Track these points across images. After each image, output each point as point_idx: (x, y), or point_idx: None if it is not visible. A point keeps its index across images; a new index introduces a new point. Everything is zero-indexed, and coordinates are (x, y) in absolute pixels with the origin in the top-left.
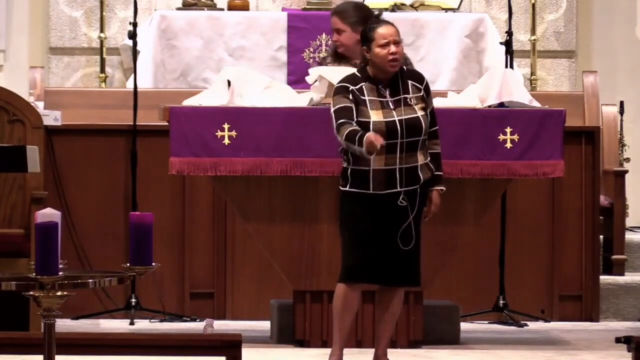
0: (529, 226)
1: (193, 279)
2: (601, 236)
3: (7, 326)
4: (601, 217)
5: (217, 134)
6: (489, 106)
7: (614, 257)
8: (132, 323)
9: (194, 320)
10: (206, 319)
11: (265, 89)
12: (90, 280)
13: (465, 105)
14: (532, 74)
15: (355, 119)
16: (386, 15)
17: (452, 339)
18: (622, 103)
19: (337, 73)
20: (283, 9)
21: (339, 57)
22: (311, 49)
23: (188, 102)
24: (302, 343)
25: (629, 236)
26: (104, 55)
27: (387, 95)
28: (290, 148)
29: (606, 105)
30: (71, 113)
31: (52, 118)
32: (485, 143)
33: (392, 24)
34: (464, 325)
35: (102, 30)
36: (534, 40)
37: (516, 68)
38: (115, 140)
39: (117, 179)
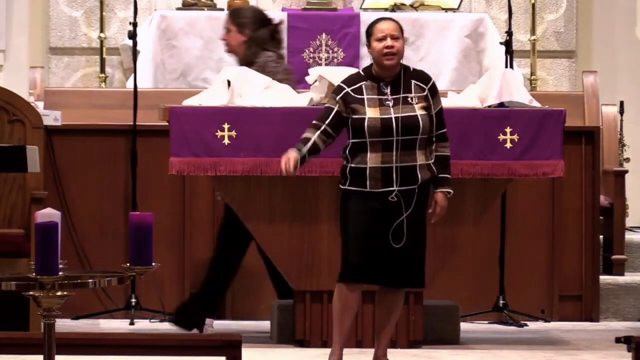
0: (529, 226)
1: (193, 279)
2: (601, 236)
3: (7, 326)
4: (601, 217)
5: (217, 134)
6: (489, 106)
7: (614, 257)
8: (132, 323)
9: None
10: (206, 319)
11: (265, 89)
12: (90, 280)
13: (465, 105)
14: (532, 74)
15: (329, 121)
16: (387, 16)
17: (452, 339)
18: (622, 103)
19: (337, 73)
20: (283, 9)
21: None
22: (311, 49)
23: (188, 102)
24: (302, 343)
25: (629, 236)
26: (104, 55)
27: (388, 93)
28: (290, 148)
29: (606, 105)
30: (71, 113)
31: (52, 118)
32: (485, 143)
33: (394, 20)
34: (464, 325)
35: (102, 30)
36: (534, 40)
37: (516, 68)
38: (115, 140)
39: (117, 179)
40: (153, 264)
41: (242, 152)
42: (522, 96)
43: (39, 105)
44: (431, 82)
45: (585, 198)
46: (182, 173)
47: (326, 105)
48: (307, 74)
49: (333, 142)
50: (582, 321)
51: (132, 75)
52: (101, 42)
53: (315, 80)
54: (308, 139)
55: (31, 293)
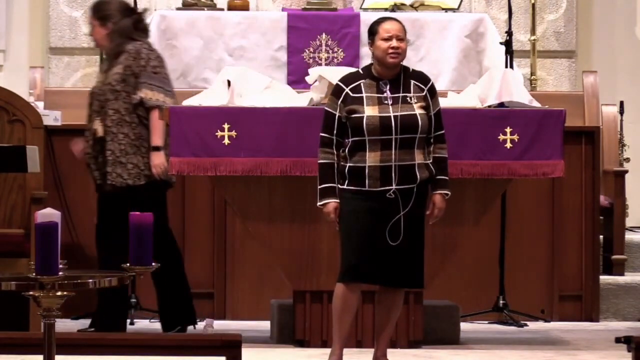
0: (529, 226)
1: (193, 279)
2: (601, 236)
3: (7, 326)
4: (601, 217)
5: (217, 134)
6: (489, 106)
7: (614, 257)
8: (132, 323)
9: None
10: (206, 319)
11: (265, 89)
12: (90, 280)
13: (465, 105)
14: (532, 74)
15: (337, 131)
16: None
17: (452, 339)
18: (622, 103)
19: (337, 73)
20: (283, 9)
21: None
22: (311, 49)
23: (188, 102)
24: (302, 343)
25: (629, 236)
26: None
27: (387, 92)
28: (290, 148)
29: (606, 105)
30: (71, 113)
31: (52, 118)
32: (485, 143)
33: (398, 21)
34: (464, 325)
35: None
36: (534, 40)
37: (516, 68)
38: None
39: None
40: (153, 264)
41: (242, 152)
42: (522, 96)
43: (39, 105)
44: (430, 83)
45: (585, 198)
46: (182, 173)
47: (327, 109)
48: (307, 74)
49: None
50: (582, 321)
51: None
52: None
53: (315, 80)
54: (331, 167)
55: (31, 293)
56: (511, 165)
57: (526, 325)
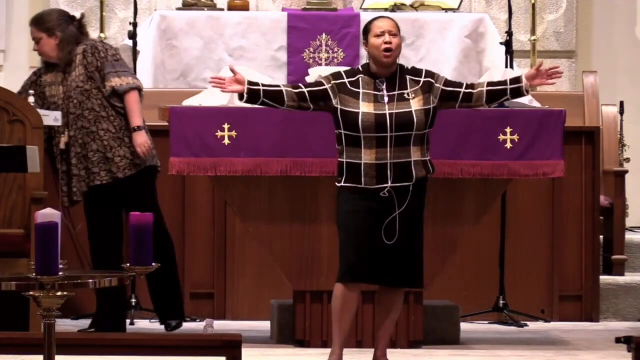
0: (529, 226)
1: (193, 279)
2: (601, 236)
3: (7, 326)
4: (601, 217)
5: (217, 134)
6: (489, 106)
7: (614, 257)
8: (132, 323)
9: (194, 320)
10: (206, 319)
11: None
12: (90, 280)
13: None
14: None
15: (311, 89)
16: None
17: (452, 339)
18: (622, 103)
19: None
20: (283, 9)
21: (49, 65)
22: (311, 49)
23: (188, 102)
24: (302, 343)
25: (629, 236)
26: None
27: (384, 90)
28: (290, 148)
29: (606, 105)
30: None
31: (52, 118)
32: (485, 143)
33: (391, 19)
34: (464, 325)
35: (102, 30)
36: (534, 40)
37: (516, 68)
38: None
39: None
40: (153, 264)
41: (242, 152)
42: None
43: None
44: (424, 71)
45: (585, 198)
46: (182, 173)
47: (318, 79)
48: (307, 74)
49: (299, 110)
50: (582, 321)
51: None
52: None
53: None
54: (276, 86)
55: (31, 293)
56: (511, 165)
57: (526, 325)
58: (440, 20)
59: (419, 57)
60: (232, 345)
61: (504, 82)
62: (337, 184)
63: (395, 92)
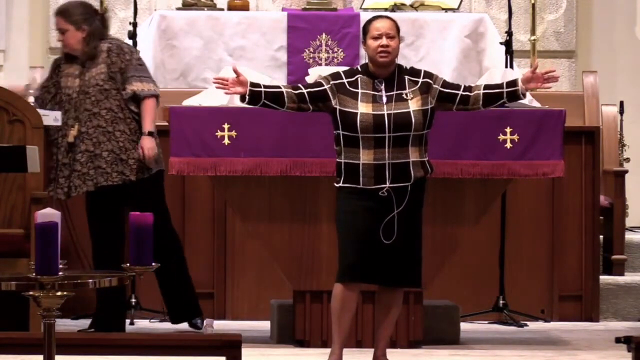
0: (529, 226)
1: (193, 279)
2: (601, 236)
3: (7, 326)
4: (601, 217)
5: (217, 134)
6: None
7: (614, 257)
8: (132, 323)
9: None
10: (206, 319)
11: None
12: (90, 280)
13: None
14: None
15: (311, 90)
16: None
17: (452, 339)
18: (622, 103)
19: None
20: (283, 9)
21: (69, 57)
22: (311, 49)
23: (188, 102)
24: (302, 343)
25: (629, 236)
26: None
27: (382, 90)
28: (290, 148)
29: (606, 105)
30: None
31: (52, 118)
32: (485, 143)
33: (390, 19)
34: (464, 325)
35: None
36: (534, 40)
37: (516, 68)
38: None
39: None
40: (153, 264)
41: (242, 152)
42: None
43: None
44: (422, 72)
45: (585, 198)
46: (182, 173)
47: (317, 80)
48: (307, 74)
49: (298, 112)
50: (582, 321)
51: None
52: None
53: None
54: (277, 87)
55: (31, 293)
56: (511, 165)
57: (526, 325)
58: (440, 20)
59: (419, 57)
60: (232, 345)
61: (500, 86)
62: (335, 184)
63: (394, 93)
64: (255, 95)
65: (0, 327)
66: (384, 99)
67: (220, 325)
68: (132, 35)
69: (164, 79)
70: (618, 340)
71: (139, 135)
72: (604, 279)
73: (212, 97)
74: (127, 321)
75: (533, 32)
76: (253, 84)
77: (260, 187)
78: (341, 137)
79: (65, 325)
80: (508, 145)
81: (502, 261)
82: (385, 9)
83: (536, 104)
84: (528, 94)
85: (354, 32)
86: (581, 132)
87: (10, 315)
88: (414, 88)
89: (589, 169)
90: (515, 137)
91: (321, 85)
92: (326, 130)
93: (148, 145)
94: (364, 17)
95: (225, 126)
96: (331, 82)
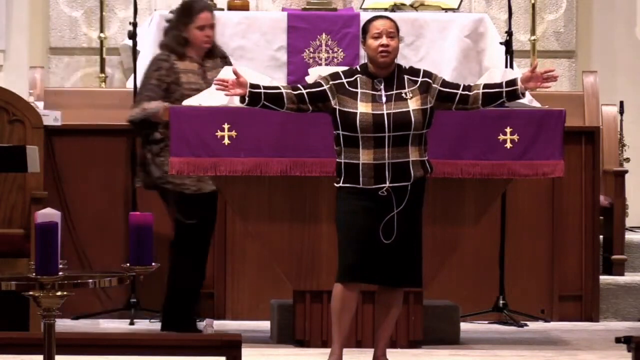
0: (529, 226)
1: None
2: (601, 236)
3: (7, 326)
4: (601, 217)
5: (217, 134)
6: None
7: (614, 257)
8: (132, 323)
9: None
10: (206, 319)
11: None
12: (90, 280)
13: None
14: None
15: (310, 91)
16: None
17: (452, 339)
18: (622, 103)
19: None
20: (283, 9)
21: (181, 53)
22: (311, 49)
23: (188, 102)
24: (302, 343)
25: (629, 236)
26: (104, 55)
27: (382, 90)
28: (290, 148)
29: (606, 105)
30: (71, 113)
31: (52, 118)
32: (485, 143)
33: (389, 18)
34: (464, 325)
35: (102, 30)
36: (534, 40)
37: (516, 68)
38: (115, 140)
39: (117, 179)
40: (153, 264)
41: (242, 152)
42: None
43: (39, 105)
44: (422, 71)
45: (585, 198)
46: (182, 173)
47: (317, 80)
48: (307, 74)
49: (298, 112)
50: (582, 321)
51: (132, 75)
52: (101, 42)
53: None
54: (277, 88)
55: (31, 293)
56: (511, 165)
57: (526, 325)
58: (440, 20)
59: (419, 57)
60: (232, 345)
61: (499, 85)
62: (335, 184)
63: (393, 92)
64: (255, 96)
65: (0, 327)
66: (384, 99)
67: (220, 325)
68: (132, 35)
69: None
70: (618, 340)
71: None
72: (604, 279)
73: (212, 97)
74: (127, 321)
75: (533, 32)
76: (253, 85)
77: (260, 187)
78: (341, 137)
79: (65, 325)
80: (508, 145)
81: (502, 261)
82: (385, 9)
83: (536, 104)
84: (528, 93)
85: (354, 32)
86: (581, 132)
87: (10, 315)
88: (414, 87)
89: (589, 169)
90: (515, 137)
91: (320, 85)
92: (326, 130)
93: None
94: (364, 17)
95: (225, 126)
96: (330, 83)
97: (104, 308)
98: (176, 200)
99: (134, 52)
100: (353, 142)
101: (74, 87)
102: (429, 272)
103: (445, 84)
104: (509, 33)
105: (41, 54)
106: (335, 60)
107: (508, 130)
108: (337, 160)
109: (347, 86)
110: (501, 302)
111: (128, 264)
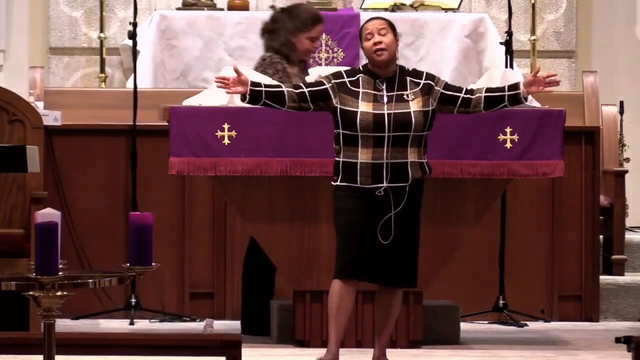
0: (529, 226)
1: (193, 279)
2: (601, 236)
3: (7, 326)
4: (601, 217)
5: (217, 134)
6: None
7: (614, 257)
8: (132, 323)
9: (194, 320)
10: (206, 319)
11: None
12: (90, 280)
13: None
14: None
15: (312, 89)
16: (386, 16)
17: (452, 339)
18: (622, 103)
19: None
20: None
21: (289, 58)
22: None
23: (188, 102)
24: (302, 343)
25: (629, 236)
26: (104, 55)
27: (383, 90)
28: (290, 148)
29: (606, 105)
30: (71, 113)
31: (52, 118)
32: (485, 143)
33: (380, 18)
34: (464, 325)
35: (102, 30)
36: (534, 40)
37: (516, 68)
38: (115, 140)
39: (117, 179)
40: (153, 264)
41: (242, 152)
42: None
43: (39, 105)
44: (424, 73)
45: (585, 198)
46: (182, 173)
47: (318, 79)
48: (307, 74)
49: (299, 111)
50: (582, 321)
51: (132, 75)
52: (101, 42)
53: None
54: (278, 86)
55: (31, 293)
56: (511, 165)
57: (526, 325)
58: (440, 20)
59: (419, 57)
60: (232, 345)
61: (502, 89)
62: (332, 183)
63: (395, 93)
64: (256, 94)
65: (0, 327)
66: (385, 99)
67: (220, 325)
68: (132, 35)
69: (164, 79)
70: (618, 340)
71: None
72: (604, 279)
73: (212, 97)
74: (127, 321)
75: (533, 32)
76: (254, 84)
77: (260, 187)
78: (341, 136)
79: (65, 325)
80: (508, 145)
81: (502, 261)
82: (385, 9)
83: (536, 104)
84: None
85: (354, 32)
86: (581, 132)
87: (10, 315)
88: (416, 89)
89: (589, 169)
90: (515, 137)
91: (322, 84)
92: (326, 130)
93: None
94: (364, 17)
95: (225, 126)
96: (332, 81)
97: (104, 308)
98: None
99: (134, 52)
100: (353, 141)
101: (74, 87)
102: (429, 272)
103: (447, 87)
104: (509, 33)
105: (41, 54)
106: (335, 60)
107: (508, 130)
108: (336, 158)
109: (349, 85)
110: (501, 302)
111: (128, 264)
